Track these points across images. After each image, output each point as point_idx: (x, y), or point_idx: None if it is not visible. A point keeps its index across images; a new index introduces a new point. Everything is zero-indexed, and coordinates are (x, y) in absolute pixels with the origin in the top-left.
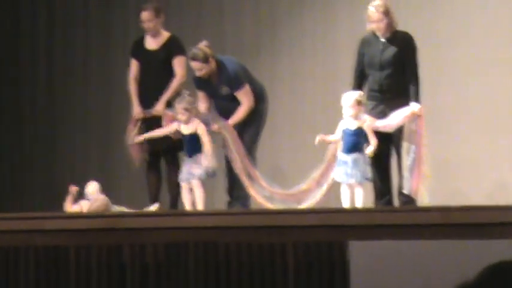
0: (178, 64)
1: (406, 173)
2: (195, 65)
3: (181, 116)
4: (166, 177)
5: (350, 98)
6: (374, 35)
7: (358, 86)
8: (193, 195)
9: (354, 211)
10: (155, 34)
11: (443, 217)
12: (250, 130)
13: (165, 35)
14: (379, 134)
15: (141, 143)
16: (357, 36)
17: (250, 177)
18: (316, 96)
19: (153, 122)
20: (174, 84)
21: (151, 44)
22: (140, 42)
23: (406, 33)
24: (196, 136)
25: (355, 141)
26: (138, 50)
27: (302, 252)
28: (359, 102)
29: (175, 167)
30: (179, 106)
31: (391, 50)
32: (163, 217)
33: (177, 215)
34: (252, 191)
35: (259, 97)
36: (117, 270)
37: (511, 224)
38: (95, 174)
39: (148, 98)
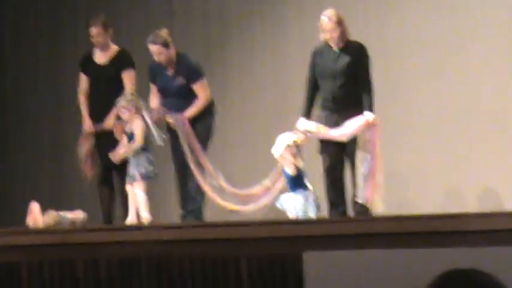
0: (127, 78)
1: (360, 182)
2: (154, 48)
3: (123, 115)
4: (120, 190)
5: (281, 144)
6: (327, 45)
7: (311, 96)
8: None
9: (307, 222)
10: (104, 48)
11: (397, 226)
12: (203, 124)
13: (114, 48)
14: (333, 144)
15: (93, 158)
16: (307, 47)
17: (202, 169)
18: (267, 109)
19: (105, 136)
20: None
21: (101, 58)
22: (89, 56)
23: (359, 43)
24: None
25: (296, 182)
26: (87, 65)
27: (256, 265)
28: (291, 146)
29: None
30: (119, 105)
31: (344, 60)
32: (116, 231)
33: (129, 229)
34: (203, 183)
35: (210, 106)
36: (71, 285)
37: (463, 232)
38: (47, 187)
39: (99, 112)
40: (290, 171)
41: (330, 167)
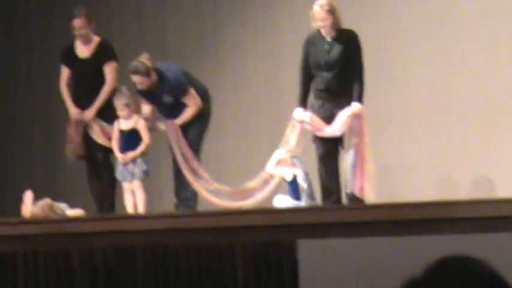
0: (109, 71)
1: (348, 172)
2: (136, 78)
3: (121, 112)
4: (99, 178)
5: (274, 160)
6: (319, 34)
7: (305, 85)
8: (134, 197)
9: (301, 210)
10: (86, 40)
11: (391, 214)
12: (194, 129)
13: (96, 40)
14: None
15: (80, 144)
16: (299, 37)
17: (195, 174)
18: (260, 97)
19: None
20: (105, 91)
21: (83, 51)
22: (70, 48)
23: (351, 31)
24: (135, 132)
25: (295, 189)
26: (69, 57)
27: (251, 253)
28: (284, 159)
29: (107, 168)
30: (119, 102)
31: (337, 49)
32: (111, 221)
33: (124, 218)
34: (197, 187)
35: (203, 98)
36: (66, 275)
37: (455, 219)
38: (41, 176)
39: (81, 105)
40: (289, 179)
41: (324, 155)
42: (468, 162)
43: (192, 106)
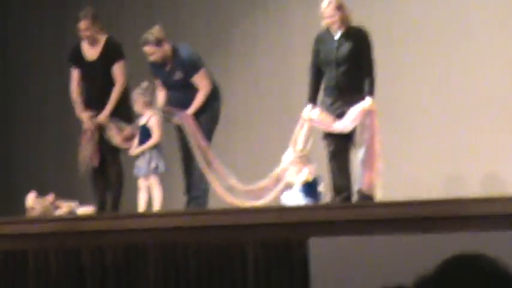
0: (118, 70)
1: (358, 168)
2: (147, 49)
3: (137, 105)
4: (105, 177)
5: (285, 162)
6: (328, 31)
7: (315, 82)
8: (149, 194)
9: (312, 208)
10: (92, 41)
11: (402, 212)
12: (205, 118)
13: (102, 40)
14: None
15: (92, 154)
16: (310, 35)
17: (210, 166)
18: (270, 95)
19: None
20: (116, 92)
21: (90, 52)
22: (78, 50)
23: (361, 28)
24: (148, 127)
25: (309, 190)
26: (77, 59)
27: (261, 251)
28: (295, 161)
29: (115, 167)
30: (136, 93)
31: (346, 46)
32: (121, 219)
33: (135, 216)
34: (212, 180)
35: (213, 86)
36: (77, 273)
37: (469, 217)
38: (52, 177)
39: (93, 107)
40: (302, 181)
41: (334, 152)
42: (478, 160)
43: (202, 89)
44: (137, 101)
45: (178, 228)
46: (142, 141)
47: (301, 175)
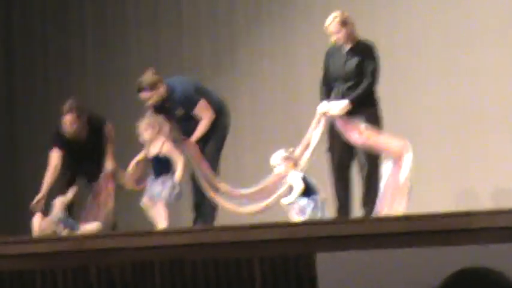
0: (107, 133)
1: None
2: (142, 96)
3: (146, 134)
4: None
5: (276, 157)
6: (337, 46)
7: (325, 97)
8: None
9: (319, 223)
10: (78, 132)
11: (409, 225)
12: (211, 144)
13: (85, 126)
14: (342, 142)
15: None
16: (315, 48)
17: (216, 190)
18: (277, 110)
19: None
20: (110, 149)
21: (76, 137)
22: (62, 135)
23: (368, 42)
24: (164, 157)
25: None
26: (62, 141)
27: (269, 267)
28: (287, 158)
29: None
30: (142, 123)
31: (353, 61)
32: (128, 237)
33: (142, 234)
34: (221, 202)
35: (218, 111)
36: None
37: (475, 230)
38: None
39: (87, 175)
40: (295, 183)
41: (338, 165)
42: (489, 172)
43: (205, 118)
44: (145, 132)
45: (185, 246)
46: (159, 172)
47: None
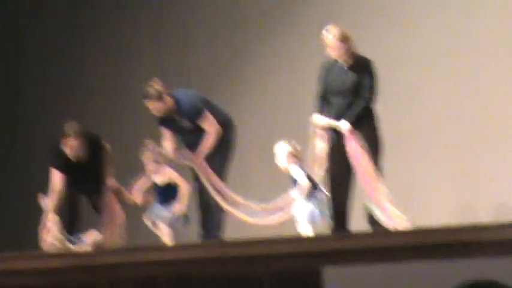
0: (108, 172)
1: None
2: (149, 104)
3: (150, 167)
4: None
5: (282, 150)
6: (336, 61)
7: (322, 111)
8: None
9: (327, 237)
10: (80, 154)
11: (417, 239)
12: (217, 160)
13: (87, 146)
14: (340, 154)
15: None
16: (319, 62)
17: (228, 202)
18: (284, 126)
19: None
20: (109, 168)
21: (77, 159)
22: (63, 156)
23: (365, 58)
24: (170, 184)
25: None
26: (64, 164)
27: (277, 282)
28: (291, 154)
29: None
30: (146, 158)
31: (352, 77)
32: (135, 252)
33: (149, 249)
34: (235, 214)
35: (224, 126)
36: None
37: (484, 242)
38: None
39: (90, 192)
40: (299, 179)
41: (336, 177)
42: (492, 184)
43: (211, 132)
44: (149, 161)
45: (192, 261)
46: (163, 199)
47: (295, 172)
